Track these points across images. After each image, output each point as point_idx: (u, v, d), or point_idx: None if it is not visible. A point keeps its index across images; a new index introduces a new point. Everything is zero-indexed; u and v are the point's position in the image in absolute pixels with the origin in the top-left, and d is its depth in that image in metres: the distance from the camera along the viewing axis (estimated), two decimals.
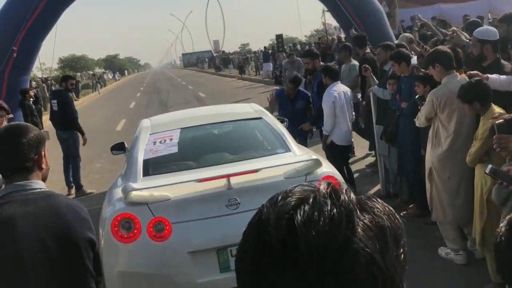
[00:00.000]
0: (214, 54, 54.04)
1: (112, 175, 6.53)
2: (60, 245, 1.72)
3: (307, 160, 3.42)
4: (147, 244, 3.10)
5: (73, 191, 7.52)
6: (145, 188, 3.26)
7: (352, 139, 5.81)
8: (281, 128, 4.18)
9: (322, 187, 0.63)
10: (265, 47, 29.11)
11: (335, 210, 0.60)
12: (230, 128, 4.43)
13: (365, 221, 0.60)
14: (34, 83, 20.33)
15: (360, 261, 0.57)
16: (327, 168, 3.54)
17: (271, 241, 0.59)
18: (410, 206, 5.16)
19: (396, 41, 7.12)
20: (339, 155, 5.43)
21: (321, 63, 6.48)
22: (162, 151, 3.87)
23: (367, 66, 6.00)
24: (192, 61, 79.34)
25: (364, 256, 0.57)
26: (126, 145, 5.34)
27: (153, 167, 3.77)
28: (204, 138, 4.44)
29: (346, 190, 0.63)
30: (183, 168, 3.78)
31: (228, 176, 3.20)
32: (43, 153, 1.83)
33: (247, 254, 0.62)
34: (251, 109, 4.62)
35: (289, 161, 3.51)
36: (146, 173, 3.67)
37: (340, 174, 3.53)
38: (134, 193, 3.19)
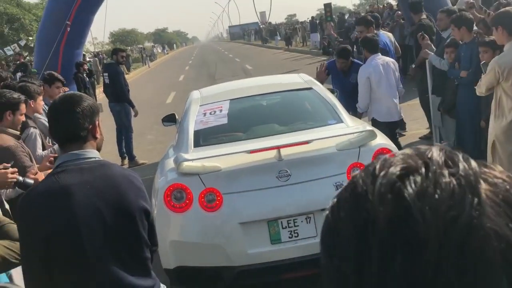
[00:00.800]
0: (261, 26, 53.48)
1: (163, 146, 6.66)
2: (115, 214, 1.74)
3: (361, 131, 3.30)
4: (198, 214, 3.14)
5: (126, 161, 7.75)
6: (197, 158, 3.27)
7: (402, 114, 5.45)
8: (333, 99, 4.06)
9: (435, 153, 0.50)
10: (312, 17, 28.45)
11: (454, 181, 0.47)
12: (279, 99, 4.36)
13: (490, 194, 0.48)
14: (88, 55, 20.92)
15: (491, 244, 0.45)
16: (382, 140, 3.41)
17: (374, 220, 0.48)
18: None
19: (454, 7, 6.71)
20: (384, 132, 5.12)
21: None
22: (212, 122, 3.87)
23: (423, 33, 5.70)
24: (239, 33, 78.99)
25: (496, 238, 0.46)
26: (176, 117, 5.41)
27: (203, 138, 3.78)
28: (254, 109, 4.39)
29: (464, 157, 0.50)
30: (233, 139, 3.77)
31: (278, 147, 3.16)
32: (97, 122, 1.84)
33: (340, 236, 0.51)
34: (300, 79, 4.52)
35: (341, 132, 3.41)
36: (197, 144, 3.69)
37: (396, 147, 3.39)
38: (186, 163, 3.21)
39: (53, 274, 1.72)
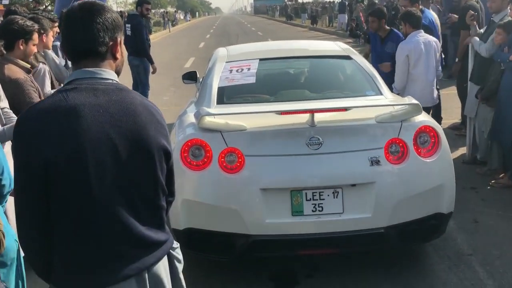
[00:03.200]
0: (288, 2, 52.43)
1: (178, 108, 6.37)
2: (130, 148, 1.44)
3: (406, 104, 2.98)
4: (216, 174, 2.86)
5: None
6: (221, 114, 2.98)
7: (437, 100, 5.07)
8: (372, 70, 3.72)
9: None
10: None
11: None
12: (313, 64, 4.02)
13: None
14: None
15: None
16: (425, 117, 3.09)
17: None
18: (501, 175, 4.61)
19: None
20: None
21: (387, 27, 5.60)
22: (239, 79, 3.55)
23: (473, 12, 5.27)
24: (263, 8, 77.77)
25: None
26: (198, 75, 5.11)
27: (228, 95, 3.49)
28: (285, 72, 4.08)
29: None
30: (260, 101, 3.47)
31: (312, 111, 2.85)
32: (119, 39, 1.52)
33: None
34: (337, 47, 4.17)
35: (383, 103, 3.09)
36: (220, 100, 3.39)
37: (440, 126, 3.07)
38: (208, 118, 2.93)
39: (51, 212, 1.43)
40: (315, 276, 3.15)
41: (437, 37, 5.29)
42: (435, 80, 4.86)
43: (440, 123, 6.22)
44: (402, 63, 4.65)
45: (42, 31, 3.70)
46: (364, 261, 3.25)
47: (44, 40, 3.88)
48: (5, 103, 2.88)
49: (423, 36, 4.74)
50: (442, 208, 3.00)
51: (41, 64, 3.70)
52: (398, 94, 4.59)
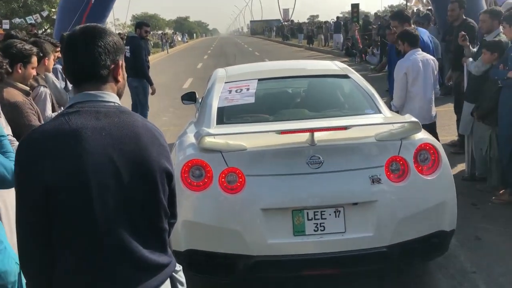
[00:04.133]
0: (284, 23, 53.05)
1: (178, 129, 6.39)
2: (132, 171, 1.43)
3: (406, 122, 2.99)
4: (217, 195, 2.84)
5: None
6: (221, 134, 2.98)
7: (435, 118, 5.07)
8: (370, 88, 3.74)
9: None
10: (337, 17, 28.00)
11: None
12: (312, 84, 4.05)
13: None
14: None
15: None
16: (425, 135, 3.09)
17: None
18: (501, 192, 4.60)
19: (498, 7, 6.32)
20: None
21: None
22: (238, 100, 3.57)
23: (463, 33, 5.35)
24: (259, 29, 78.65)
25: None
26: (197, 96, 5.13)
27: (227, 115, 3.49)
28: (283, 91, 4.10)
29: None
30: (259, 120, 3.48)
31: (312, 130, 2.85)
32: (120, 62, 1.53)
33: None
34: (335, 66, 4.20)
35: (383, 121, 3.10)
36: (220, 121, 3.40)
37: (440, 143, 3.07)
38: (208, 138, 2.93)
39: (53, 236, 1.41)
40: None
41: (433, 55, 5.33)
42: (433, 97, 4.88)
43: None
44: (400, 80, 4.69)
45: (44, 55, 3.72)
46: (367, 280, 3.21)
47: (46, 64, 3.90)
48: (8, 130, 2.88)
49: (420, 54, 4.79)
50: (444, 225, 2.98)
51: (42, 87, 3.71)
52: (396, 111, 4.60)
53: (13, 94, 3.18)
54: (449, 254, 3.34)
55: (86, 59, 1.46)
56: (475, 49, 5.29)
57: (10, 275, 1.94)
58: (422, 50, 4.92)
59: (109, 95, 1.50)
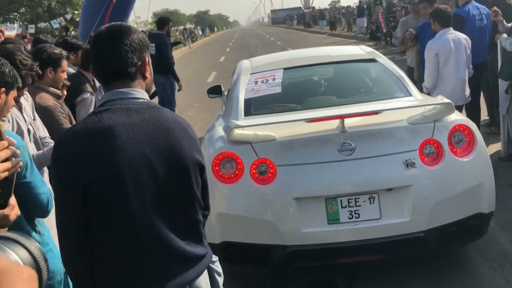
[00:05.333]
0: (305, 10, 52.51)
1: (205, 123, 6.44)
2: (166, 165, 1.44)
3: (438, 104, 2.91)
4: (249, 186, 2.84)
5: None
6: (250, 125, 2.97)
7: (469, 98, 4.91)
8: (399, 71, 3.66)
9: None
10: (360, 1, 27.52)
11: None
12: (339, 70, 3.99)
13: None
14: None
15: None
16: (459, 116, 3.01)
17: None
18: None
19: None
20: None
21: None
22: (265, 90, 3.55)
23: (496, 8, 5.16)
24: (280, 18, 78.11)
25: None
26: (222, 89, 5.14)
27: (254, 107, 3.48)
28: (310, 79, 4.06)
29: None
30: (287, 110, 3.46)
31: (342, 117, 2.81)
32: (147, 59, 1.55)
33: None
34: (361, 51, 4.13)
35: (414, 104, 3.03)
36: (247, 112, 3.39)
37: (475, 124, 2.98)
38: (237, 130, 2.92)
39: (91, 232, 1.44)
40: (355, 284, 3.09)
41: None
42: (466, 78, 4.74)
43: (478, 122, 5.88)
44: (432, 62, 4.57)
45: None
46: (405, 266, 3.17)
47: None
48: (45, 133, 2.95)
49: (452, 33, 4.64)
50: (482, 207, 2.90)
51: (88, 94, 3.77)
52: (428, 93, 4.50)
53: (45, 99, 3.24)
54: (488, 237, 3.25)
55: (114, 58, 1.48)
56: (510, 24, 5.10)
57: (57, 275, 1.99)
58: (469, 26, 4.77)
59: (138, 92, 1.52)
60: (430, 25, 4.99)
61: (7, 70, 1.93)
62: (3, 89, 1.93)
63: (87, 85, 3.83)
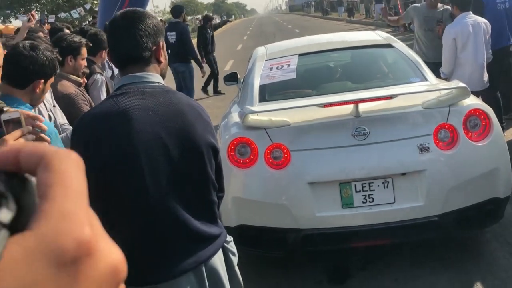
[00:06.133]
0: None
1: (221, 110, 6.47)
2: (180, 147, 1.49)
3: (453, 88, 2.90)
4: (263, 171, 2.88)
5: None
6: (264, 111, 3.01)
7: (487, 84, 4.82)
8: (415, 56, 3.64)
9: None
10: None
11: None
12: (355, 55, 3.98)
13: None
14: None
15: None
16: (474, 100, 2.99)
17: None
18: None
19: None
20: None
21: None
22: (280, 76, 3.57)
23: None
24: (298, 6, 77.46)
25: None
26: (238, 76, 5.17)
27: (269, 93, 3.51)
28: (325, 65, 4.06)
29: None
30: (302, 95, 3.48)
31: (356, 102, 2.82)
32: (161, 44, 1.60)
33: None
34: (378, 36, 4.10)
35: (429, 88, 3.01)
36: (262, 99, 3.42)
37: (491, 108, 2.96)
38: (251, 116, 2.96)
39: (108, 213, 1.50)
40: (369, 268, 3.12)
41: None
42: (485, 63, 4.67)
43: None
44: (449, 46, 4.51)
45: (103, 47, 3.90)
46: (420, 250, 3.18)
47: (103, 56, 4.05)
48: (64, 120, 3.03)
49: (471, 17, 4.57)
50: (498, 192, 2.89)
51: (98, 75, 3.86)
52: (446, 79, 4.45)
53: (66, 86, 3.32)
54: (505, 222, 3.24)
55: (129, 43, 1.53)
56: None
57: None
58: (489, 10, 4.69)
59: (153, 76, 1.56)
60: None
61: (47, 62, 2.02)
62: (42, 80, 2.02)
63: (95, 67, 3.90)
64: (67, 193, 0.30)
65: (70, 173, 0.31)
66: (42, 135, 1.61)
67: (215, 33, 11.39)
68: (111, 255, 0.32)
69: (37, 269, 0.27)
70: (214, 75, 9.69)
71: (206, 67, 9.29)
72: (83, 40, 3.42)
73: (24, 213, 0.31)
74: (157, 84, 1.56)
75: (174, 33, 7.41)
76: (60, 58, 3.08)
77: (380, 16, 24.09)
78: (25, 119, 1.52)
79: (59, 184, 0.30)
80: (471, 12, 4.61)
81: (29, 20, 4.44)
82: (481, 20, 4.64)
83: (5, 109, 1.51)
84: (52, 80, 2.13)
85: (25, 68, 2.06)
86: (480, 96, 4.82)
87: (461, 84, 2.88)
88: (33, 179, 0.32)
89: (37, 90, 2.11)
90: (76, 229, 0.29)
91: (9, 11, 25.56)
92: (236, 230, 2.93)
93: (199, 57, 7.51)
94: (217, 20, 62.19)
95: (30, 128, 1.50)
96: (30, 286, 0.27)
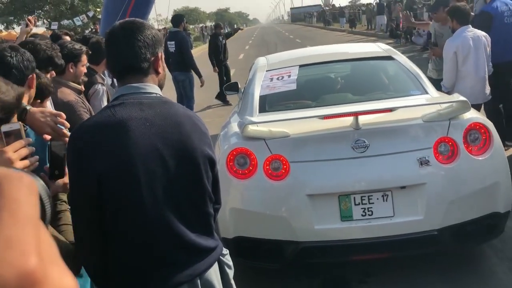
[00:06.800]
0: (325, 8, 52.24)
1: (222, 119, 6.47)
2: (177, 159, 1.48)
3: (453, 101, 2.89)
4: (262, 182, 2.87)
5: None
6: (264, 122, 3.00)
7: (489, 96, 4.80)
8: (416, 69, 3.64)
9: None
10: None
11: None
12: (355, 67, 3.98)
13: None
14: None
15: None
16: (475, 114, 2.98)
17: None
18: None
19: None
20: None
21: None
22: (280, 87, 3.57)
23: None
24: (300, 16, 77.90)
25: None
26: (239, 86, 5.17)
27: (269, 103, 3.51)
28: (326, 76, 4.06)
29: None
30: (302, 107, 3.47)
31: (356, 114, 2.81)
32: (160, 55, 1.59)
33: None
34: (378, 48, 4.11)
35: (429, 101, 3.01)
36: (262, 109, 3.42)
37: (491, 122, 2.95)
38: (251, 127, 2.95)
39: (104, 223, 1.48)
40: (368, 282, 3.09)
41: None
42: (486, 76, 4.66)
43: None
44: (450, 60, 4.51)
45: (102, 56, 3.89)
46: (419, 263, 3.15)
47: (105, 64, 4.06)
48: None
49: (471, 31, 4.59)
50: (498, 207, 2.87)
51: (100, 85, 3.85)
52: (447, 92, 4.44)
53: (66, 94, 3.32)
54: (505, 237, 3.21)
55: (127, 54, 1.52)
56: None
57: None
58: (497, 23, 4.68)
59: (151, 87, 1.55)
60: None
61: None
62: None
63: (97, 76, 3.90)
64: (14, 220, 0.28)
65: (20, 198, 0.29)
66: (65, 131, 1.64)
67: (234, 41, 11.51)
68: (61, 283, 0.30)
69: None
70: (223, 84, 9.76)
71: (209, 76, 9.33)
72: (84, 48, 3.43)
73: None
74: (154, 95, 1.56)
75: (173, 42, 7.45)
76: (62, 61, 3.07)
77: (380, 28, 24.21)
78: (48, 116, 1.56)
79: (6, 210, 0.29)
80: (470, 26, 4.62)
81: (27, 25, 4.45)
82: (480, 33, 4.65)
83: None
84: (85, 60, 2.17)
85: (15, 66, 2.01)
86: (483, 108, 4.82)
87: (462, 98, 2.87)
88: None
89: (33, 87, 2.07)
90: (20, 258, 0.28)
91: (12, 18, 25.70)
92: (234, 242, 2.91)
93: (197, 67, 7.52)
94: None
95: (31, 140, 1.49)
96: None
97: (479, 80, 4.57)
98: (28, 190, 0.29)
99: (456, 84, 4.56)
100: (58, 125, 1.63)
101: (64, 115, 1.61)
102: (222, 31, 10.62)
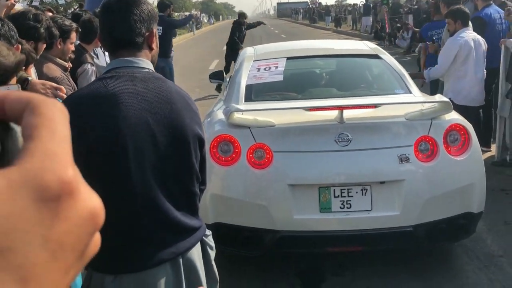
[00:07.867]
0: (311, 6, 52.36)
1: (204, 108, 6.45)
2: (167, 135, 1.48)
3: (436, 102, 2.95)
4: (245, 170, 2.88)
5: None
6: (250, 110, 3.01)
7: (484, 101, 4.83)
8: (401, 69, 3.70)
9: None
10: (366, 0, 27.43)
11: None
12: (342, 63, 4.02)
13: None
14: None
15: None
16: (456, 115, 3.05)
17: None
18: None
19: None
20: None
21: None
22: (267, 78, 3.57)
23: (509, 7, 5.19)
24: (286, 12, 77.94)
25: None
26: (224, 75, 5.17)
27: (255, 93, 3.51)
28: (313, 70, 4.09)
29: None
30: (288, 98, 3.49)
31: (341, 108, 2.85)
32: (154, 31, 1.59)
33: None
34: (366, 46, 4.16)
35: (413, 100, 3.07)
36: (248, 98, 3.42)
37: (470, 125, 3.02)
38: (236, 114, 2.96)
39: None
40: (342, 274, 3.15)
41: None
42: (483, 78, 4.77)
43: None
44: (450, 56, 4.55)
45: (95, 34, 3.80)
46: (392, 260, 3.22)
47: (97, 43, 3.98)
48: None
49: (472, 33, 4.68)
50: (472, 207, 2.96)
51: (89, 64, 3.78)
52: (424, 81, 4.55)
53: (52, 70, 3.25)
54: (476, 237, 3.31)
55: (122, 27, 1.51)
56: None
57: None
58: (490, 29, 4.79)
59: (144, 62, 1.55)
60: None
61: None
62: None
63: (87, 56, 3.84)
64: (52, 135, 0.31)
65: (56, 118, 0.31)
66: None
67: (199, 32, 11.50)
68: (91, 199, 0.32)
69: (19, 201, 0.27)
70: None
71: (188, 66, 9.26)
72: (74, 25, 3.37)
73: (8, 156, 0.31)
74: (147, 70, 1.55)
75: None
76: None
77: (365, 29, 24.42)
78: (48, 88, 1.54)
79: (45, 127, 0.30)
80: (471, 28, 4.72)
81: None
82: (479, 37, 4.75)
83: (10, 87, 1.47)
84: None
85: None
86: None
87: (444, 99, 2.94)
88: (18, 128, 0.32)
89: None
90: (60, 168, 0.30)
91: None
92: (213, 228, 2.90)
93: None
94: (204, 20, 61.92)
95: None
96: (11, 216, 0.27)
97: (478, 81, 4.66)
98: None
99: (453, 83, 4.64)
100: (58, 99, 1.62)
101: (64, 89, 1.60)
102: (245, 20, 10.68)
